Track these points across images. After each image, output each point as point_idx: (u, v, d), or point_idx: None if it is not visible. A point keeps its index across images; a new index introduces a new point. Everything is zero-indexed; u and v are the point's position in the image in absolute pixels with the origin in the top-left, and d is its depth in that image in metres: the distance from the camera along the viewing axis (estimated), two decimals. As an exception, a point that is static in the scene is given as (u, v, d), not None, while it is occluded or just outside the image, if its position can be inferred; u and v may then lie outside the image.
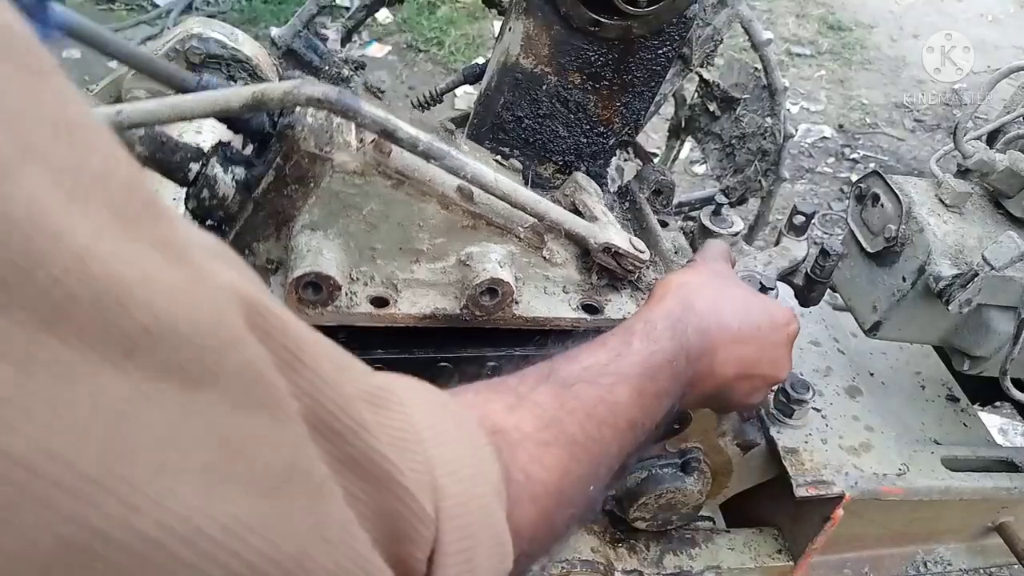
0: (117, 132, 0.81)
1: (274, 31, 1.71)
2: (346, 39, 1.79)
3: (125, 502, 0.25)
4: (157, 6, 4.39)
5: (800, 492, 1.18)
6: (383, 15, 4.55)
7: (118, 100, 1.51)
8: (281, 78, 0.92)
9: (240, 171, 0.87)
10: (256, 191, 0.86)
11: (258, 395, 0.30)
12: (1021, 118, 1.28)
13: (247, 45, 1.66)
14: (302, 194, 0.87)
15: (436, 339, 1.00)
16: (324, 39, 1.71)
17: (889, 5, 5.39)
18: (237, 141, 0.95)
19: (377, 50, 4.39)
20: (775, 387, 1.20)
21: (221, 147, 0.89)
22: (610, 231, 0.98)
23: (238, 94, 0.78)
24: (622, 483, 1.19)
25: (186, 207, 0.88)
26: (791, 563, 1.30)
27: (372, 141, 0.87)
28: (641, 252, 0.98)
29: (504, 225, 0.95)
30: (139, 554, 0.25)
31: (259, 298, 0.33)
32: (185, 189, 0.88)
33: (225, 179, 0.86)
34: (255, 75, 1.64)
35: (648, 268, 1.04)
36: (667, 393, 0.73)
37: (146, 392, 0.26)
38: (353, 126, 0.90)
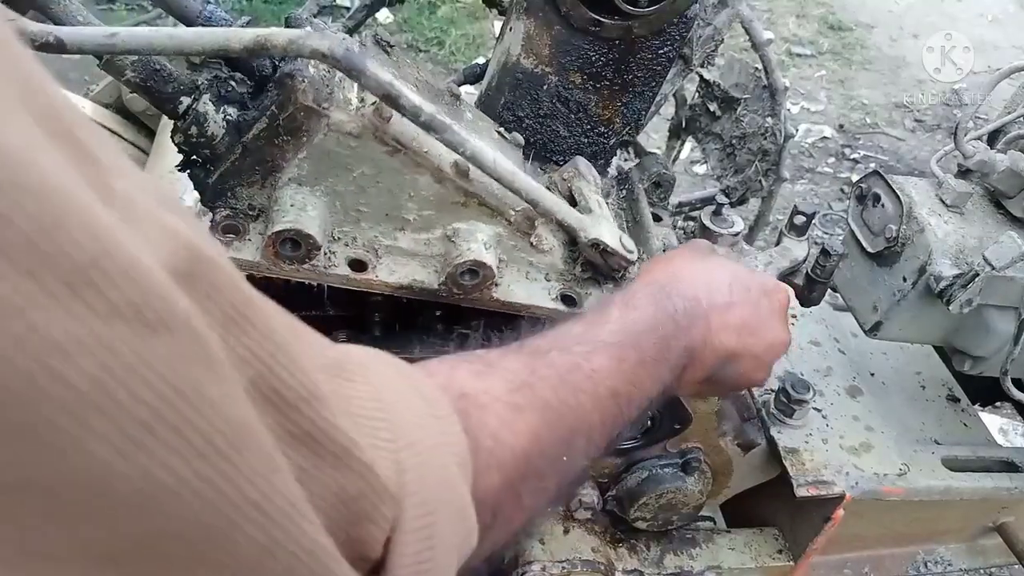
0: (110, 55, 0.78)
1: (274, 31, 1.70)
2: (346, 39, 1.79)
3: (47, 445, 0.23)
4: (157, 6, 4.39)
5: (800, 492, 1.18)
6: (383, 15, 4.54)
7: (119, 100, 1.51)
8: (287, 24, 0.90)
9: (233, 111, 0.85)
10: (246, 135, 0.83)
11: (201, 350, 0.28)
12: (1022, 118, 1.28)
13: (247, 45, 1.66)
14: (293, 146, 0.84)
15: (435, 338, 1.00)
16: (324, 39, 1.71)
17: (889, 5, 5.39)
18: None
19: (377, 50, 4.38)
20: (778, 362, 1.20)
21: (216, 83, 0.86)
22: (602, 226, 0.97)
23: (240, 36, 0.75)
24: (623, 483, 1.20)
25: (173, 140, 0.86)
26: (791, 563, 1.30)
27: (373, 103, 0.84)
28: (629, 252, 0.97)
29: (496, 206, 0.93)
30: (62, 500, 0.24)
31: (206, 251, 0.30)
32: (174, 122, 0.85)
33: (216, 117, 0.84)
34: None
35: (634, 266, 1.03)
36: (655, 361, 0.68)
37: (96, 332, 0.24)
38: (356, 83, 0.87)
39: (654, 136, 3.49)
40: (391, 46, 0.95)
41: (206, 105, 0.84)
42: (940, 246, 1.14)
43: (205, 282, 0.29)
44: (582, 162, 1.08)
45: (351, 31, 1.75)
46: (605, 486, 1.21)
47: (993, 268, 1.09)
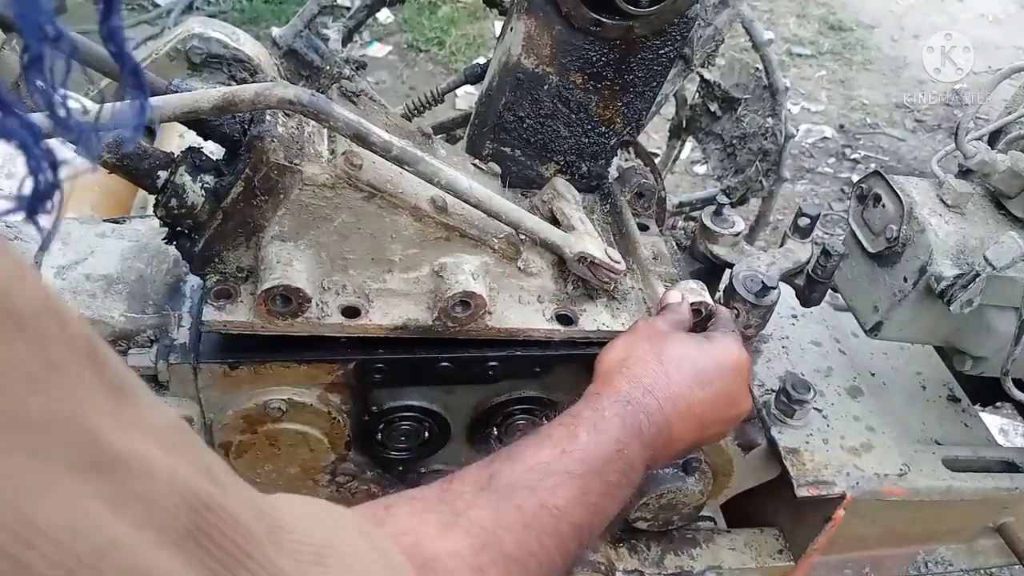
0: None
1: (275, 31, 1.71)
2: (347, 39, 1.79)
3: None
4: (158, 6, 4.39)
5: (801, 492, 1.18)
6: (384, 15, 4.54)
7: (119, 100, 1.50)
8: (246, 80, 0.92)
9: (209, 179, 0.87)
10: (225, 201, 0.86)
11: None
12: (1022, 118, 1.28)
13: (248, 45, 1.66)
14: (272, 205, 0.87)
15: (437, 339, 1.00)
16: (325, 39, 1.71)
17: (889, 5, 5.39)
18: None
19: (378, 50, 4.39)
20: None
21: (190, 153, 0.88)
22: (585, 241, 0.98)
23: (207, 96, 0.77)
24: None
25: (156, 215, 0.88)
26: (792, 563, 1.30)
27: (343, 153, 0.87)
28: (616, 263, 0.98)
29: (478, 237, 0.95)
30: None
31: (204, 497, 0.34)
32: (155, 197, 0.88)
33: (194, 187, 0.86)
34: (256, 74, 1.64)
35: (626, 276, 1.04)
36: (618, 486, 0.71)
37: None
38: (325, 135, 0.90)
39: (654, 136, 3.48)
40: (357, 95, 0.98)
41: (183, 176, 0.86)
42: (941, 246, 1.14)
43: (204, 535, 0.33)
44: (560, 182, 1.09)
45: (352, 31, 1.74)
46: (606, 486, 1.21)
47: (994, 268, 1.09)
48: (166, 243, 0.92)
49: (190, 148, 0.89)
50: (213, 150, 0.91)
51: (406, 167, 0.85)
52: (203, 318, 0.87)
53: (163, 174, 0.87)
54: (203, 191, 0.86)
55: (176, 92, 0.84)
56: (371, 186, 0.88)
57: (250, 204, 0.86)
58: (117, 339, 0.96)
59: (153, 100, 0.79)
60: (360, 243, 0.92)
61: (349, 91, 0.97)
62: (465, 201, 0.89)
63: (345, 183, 0.87)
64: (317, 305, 0.90)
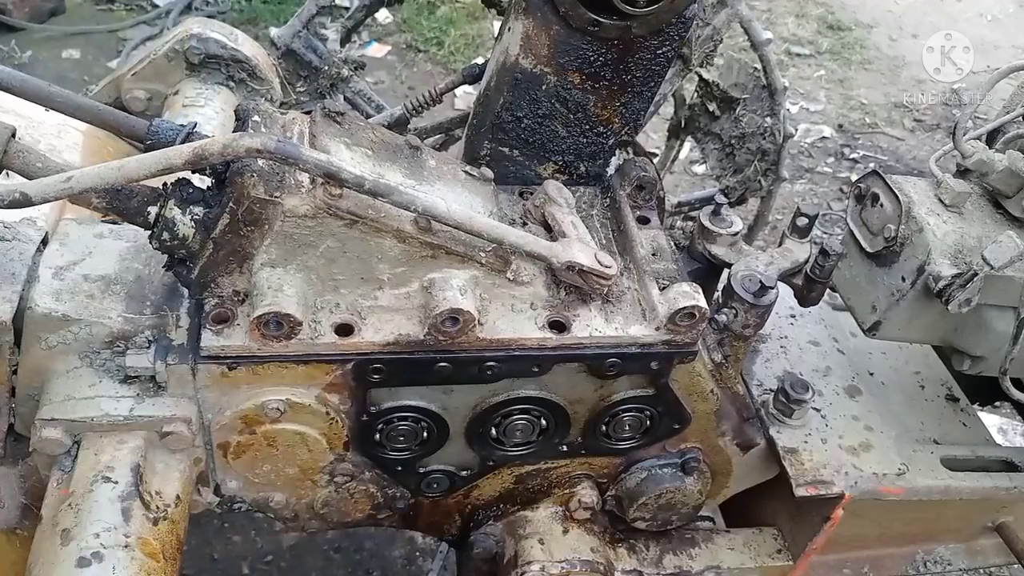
0: (69, 197, 0.84)
1: (274, 31, 1.70)
2: (346, 39, 1.80)
3: None
4: (157, 6, 4.39)
5: (800, 492, 1.18)
6: (383, 15, 4.54)
7: (117, 99, 1.51)
8: (237, 113, 0.95)
9: (199, 210, 0.90)
10: (214, 231, 0.89)
11: None
12: (1020, 118, 1.28)
13: (247, 45, 1.67)
14: (258, 234, 0.90)
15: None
16: (324, 39, 1.72)
17: (888, 5, 5.39)
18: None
19: (377, 50, 4.38)
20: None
21: (178, 187, 0.92)
22: (574, 248, 0.98)
23: (179, 153, 0.82)
24: (622, 483, 1.19)
25: (152, 246, 0.91)
26: (791, 563, 1.30)
27: (323, 182, 0.89)
28: (607, 268, 0.99)
29: (464, 252, 0.97)
30: None
31: None
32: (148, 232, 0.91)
33: (184, 220, 0.90)
34: (254, 75, 1.64)
35: (621, 277, 1.04)
36: None
37: None
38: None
39: (653, 136, 3.49)
40: (341, 115, 1.00)
41: (172, 210, 0.90)
42: (939, 246, 1.14)
43: None
44: (551, 186, 1.09)
45: (350, 31, 1.74)
46: (604, 486, 1.21)
47: (992, 268, 1.09)
48: (165, 270, 0.95)
49: (178, 180, 0.92)
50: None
51: (381, 199, 0.87)
52: (201, 343, 0.91)
53: (153, 209, 0.90)
54: (193, 223, 0.90)
55: (157, 134, 0.89)
56: (352, 213, 0.90)
57: (237, 234, 0.90)
58: (115, 339, 0.96)
59: (129, 161, 0.82)
60: (348, 265, 0.94)
61: (333, 111, 1.00)
62: (445, 224, 0.92)
63: (326, 212, 0.90)
64: (310, 325, 0.93)
